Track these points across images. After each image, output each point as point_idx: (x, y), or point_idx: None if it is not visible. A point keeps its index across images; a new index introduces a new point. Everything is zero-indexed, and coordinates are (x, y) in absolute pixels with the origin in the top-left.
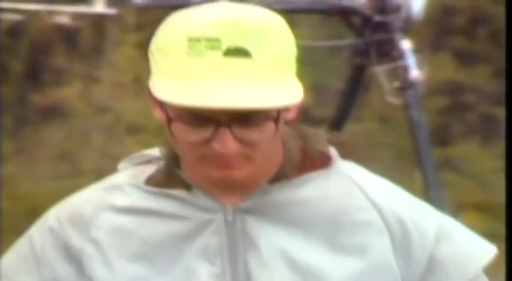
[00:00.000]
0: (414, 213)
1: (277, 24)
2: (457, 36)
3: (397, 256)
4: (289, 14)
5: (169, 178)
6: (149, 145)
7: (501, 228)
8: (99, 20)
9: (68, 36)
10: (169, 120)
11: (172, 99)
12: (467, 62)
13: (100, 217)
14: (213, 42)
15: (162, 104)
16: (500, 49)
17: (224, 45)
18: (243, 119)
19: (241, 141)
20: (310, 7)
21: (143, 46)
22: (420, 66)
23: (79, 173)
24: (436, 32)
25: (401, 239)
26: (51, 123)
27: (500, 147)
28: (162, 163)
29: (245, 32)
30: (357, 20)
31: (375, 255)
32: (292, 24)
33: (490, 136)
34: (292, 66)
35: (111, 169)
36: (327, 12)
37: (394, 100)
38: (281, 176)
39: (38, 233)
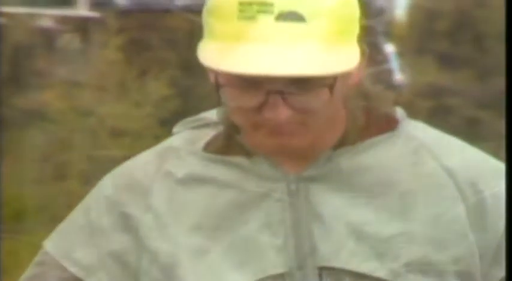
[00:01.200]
0: (489, 177)
1: None
2: (440, 40)
3: (472, 225)
4: None
5: (228, 144)
6: (132, 148)
7: None
8: (82, 23)
9: (50, 39)
10: (219, 85)
11: (217, 65)
12: (450, 65)
13: (158, 185)
14: (265, 6)
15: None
16: (483, 53)
17: (277, 9)
18: (295, 85)
19: (294, 108)
20: None
21: (125, 50)
22: (403, 69)
23: (63, 176)
24: (419, 36)
25: (477, 207)
26: (34, 127)
27: (483, 150)
28: (220, 128)
29: None
30: None
31: (448, 224)
32: None
33: (473, 139)
34: (350, 29)
35: (95, 172)
36: None
37: None
38: (345, 141)
39: (93, 201)
